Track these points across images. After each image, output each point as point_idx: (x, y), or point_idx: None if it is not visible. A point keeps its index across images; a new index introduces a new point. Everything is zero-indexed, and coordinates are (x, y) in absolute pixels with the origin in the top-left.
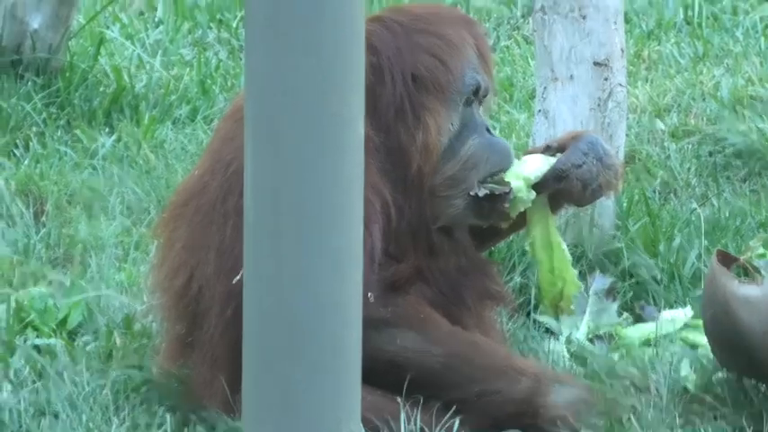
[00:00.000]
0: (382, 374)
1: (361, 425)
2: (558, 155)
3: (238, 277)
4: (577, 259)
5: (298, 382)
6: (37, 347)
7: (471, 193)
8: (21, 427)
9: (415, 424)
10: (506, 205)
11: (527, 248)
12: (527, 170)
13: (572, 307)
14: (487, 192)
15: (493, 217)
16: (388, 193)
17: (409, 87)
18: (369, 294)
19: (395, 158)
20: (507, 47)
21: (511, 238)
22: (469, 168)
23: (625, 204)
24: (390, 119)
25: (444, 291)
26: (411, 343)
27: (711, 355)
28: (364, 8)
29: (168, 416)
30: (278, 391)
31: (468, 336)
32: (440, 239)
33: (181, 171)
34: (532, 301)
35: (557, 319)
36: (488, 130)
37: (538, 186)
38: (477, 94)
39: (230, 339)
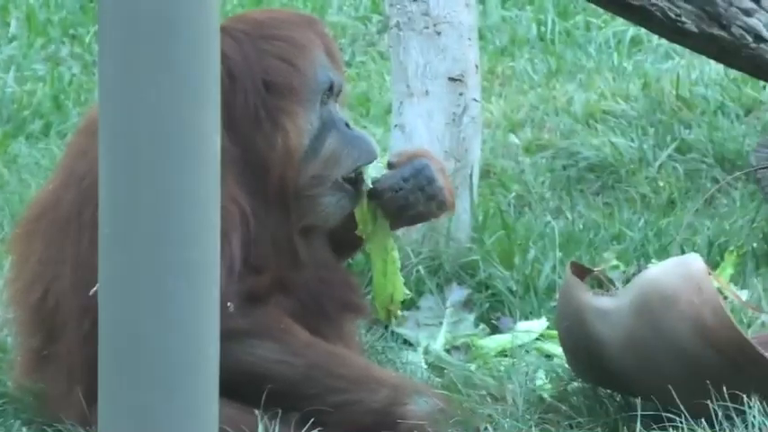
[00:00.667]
0: (241, 386)
1: None
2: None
3: (95, 290)
4: (434, 271)
5: (154, 397)
6: None
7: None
8: None
9: None
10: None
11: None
12: (370, 170)
13: (400, 313)
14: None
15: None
16: (246, 204)
17: (262, 94)
18: (228, 304)
19: (254, 169)
20: (363, 62)
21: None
22: (332, 166)
23: (481, 217)
24: (247, 128)
25: (305, 302)
26: (271, 353)
27: (566, 365)
28: (219, 20)
29: (24, 429)
30: (134, 405)
31: (328, 346)
32: (301, 250)
33: (34, 186)
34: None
35: (388, 322)
36: (347, 124)
37: (369, 193)
38: (331, 92)
39: (87, 352)
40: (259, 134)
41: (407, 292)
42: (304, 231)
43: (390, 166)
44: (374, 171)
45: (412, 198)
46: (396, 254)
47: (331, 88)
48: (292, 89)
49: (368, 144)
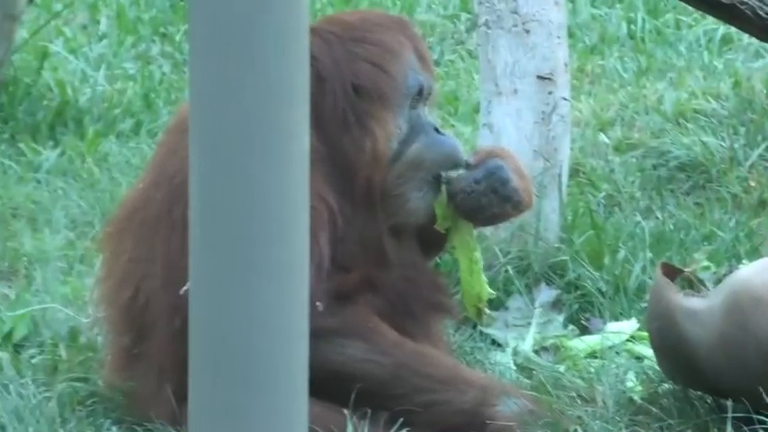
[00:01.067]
0: (329, 385)
1: None
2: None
3: (185, 289)
4: (523, 272)
5: (244, 395)
6: None
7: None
8: None
9: None
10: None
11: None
12: None
13: (488, 311)
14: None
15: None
16: (334, 203)
17: (351, 98)
18: (317, 304)
19: (341, 168)
20: (451, 61)
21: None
22: (415, 169)
23: (570, 217)
24: (334, 130)
25: (392, 301)
26: (359, 352)
27: (657, 367)
28: (309, 20)
29: (114, 428)
30: (224, 404)
31: (416, 346)
32: (389, 249)
33: (125, 184)
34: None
35: (478, 321)
36: (437, 129)
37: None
38: (421, 95)
39: (177, 351)
40: (347, 136)
41: (491, 291)
42: (392, 231)
43: (467, 165)
44: (453, 173)
45: (485, 200)
46: (478, 254)
47: (420, 92)
48: (382, 94)
49: (454, 150)
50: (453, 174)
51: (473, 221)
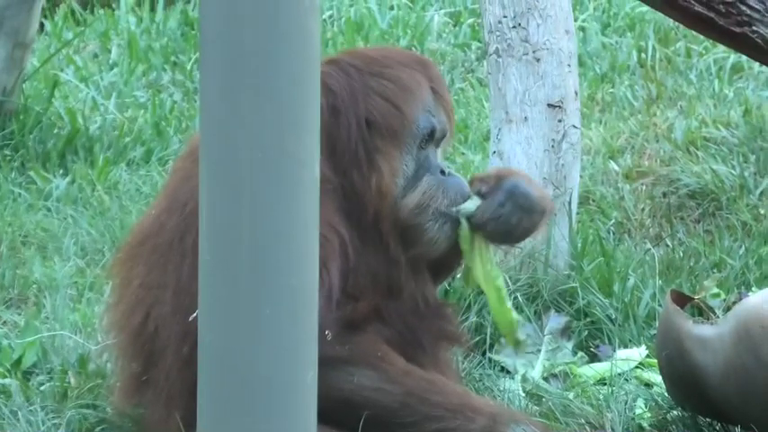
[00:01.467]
0: (338, 413)
1: None
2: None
3: (194, 315)
4: (532, 299)
5: (253, 423)
6: None
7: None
8: None
9: None
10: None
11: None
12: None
13: (522, 337)
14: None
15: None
16: (345, 232)
17: (363, 131)
18: (326, 332)
19: (353, 200)
20: (462, 89)
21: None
22: (428, 199)
23: (580, 244)
24: (346, 162)
25: (401, 331)
26: (368, 381)
27: (666, 394)
28: (320, 50)
29: None
30: (233, 430)
31: (425, 374)
32: (401, 279)
33: (135, 212)
34: (488, 341)
35: (516, 349)
36: (443, 171)
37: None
38: (432, 137)
39: (186, 378)
40: (357, 169)
41: (517, 316)
42: (409, 261)
43: (482, 195)
44: (469, 205)
45: (515, 219)
46: (501, 282)
47: (432, 134)
48: (392, 130)
49: (460, 187)
50: (470, 206)
51: (508, 243)
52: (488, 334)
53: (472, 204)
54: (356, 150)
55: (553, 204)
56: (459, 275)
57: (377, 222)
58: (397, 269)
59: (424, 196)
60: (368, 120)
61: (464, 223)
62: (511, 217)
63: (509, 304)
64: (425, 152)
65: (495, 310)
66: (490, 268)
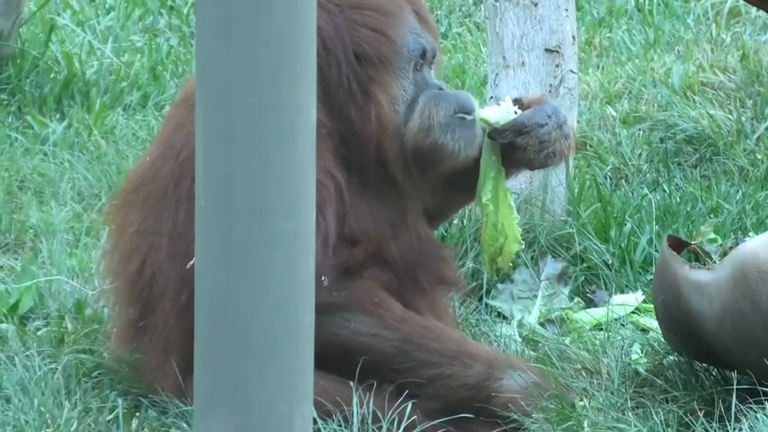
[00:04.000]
0: (335, 359)
1: (314, 409)
2: (519, 111)
3: (192, 262)
4: (529, 244)
5: (249, 368)
6: None
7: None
8: None
9: (368, 408)
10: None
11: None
12: (489, 114)
13: (510, 264)
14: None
15: (471, 141)
16: (341, 177)
17: (354, 66)
18: (322, 278)
19: (350, 141)
20: (459, 34)
21: (463, 224)
22: (426, 119)
23: (576, 190)
24: (341, 101)
25: (399, 275)
26: (364, 327)
27: (662, 339)
28: None
29: (120, 400)
30: (229, 376)
31: (422, 320)
32: (404, 218)
33: (132, 157)
34: (485, 286)
35: (496, 274)
36: (441, 88)
37: (496, 133)
38: (425, 58)
39: (183, 324)
40: (353, 106)
41: (522, 242)
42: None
43: (522, 106)
44: (503, 118)
45: (554, 134)
46: (512, 203)
47: (424, 54)
48: (383, 58)
49: (460, 96)
50: (503, 119)
51: (533, 159)
52: (485, 279)
53: (502, 118)
54: (350, 86)
55: (573, 153)
56: (455, 221)
57: (380, 156)
58: (401, 207)
59: (423, 115)
60: (356, 53)
61: (487, 140)
62: (552, 131)
63: (516, 229)
64: (421, 74)
65: (488, 232)
66: (499, 189)
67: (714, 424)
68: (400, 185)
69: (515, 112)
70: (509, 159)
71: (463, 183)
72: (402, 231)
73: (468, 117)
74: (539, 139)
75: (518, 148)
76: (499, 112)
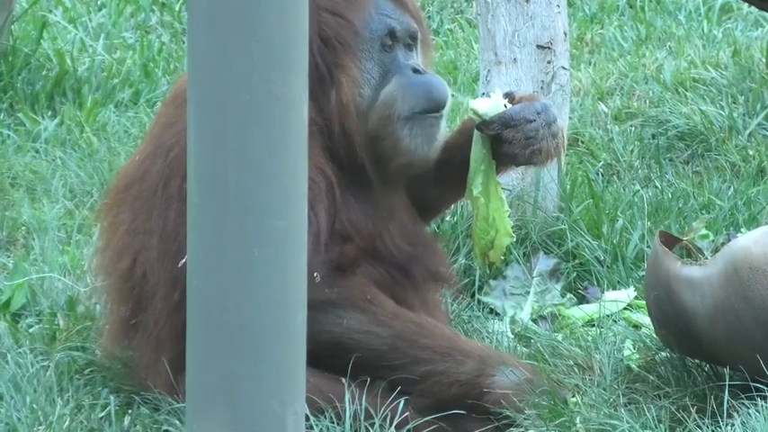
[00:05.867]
0: (328, 356)
1: (306, 406)
2: (510, 105)
3: (183, 261)
4: (521, 241)
5: (242, 365)
6: None
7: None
8: None
9: (360, 404)
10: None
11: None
12: (479, 105)
13: (501, 258)
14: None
15: (430, 140)
16: (332, 173)
17: (322, 51)
18: (315, 275)
19: (338, 139)
20: (451, 30)
21: (455, 219)
22: (390, 108)
23: (568, 186)
24: (314, 88)
25: (391, 271)
26: (357, 324)
27: (654, 335)
28: None
29: (112, 397)
30: (222, 373)
31: (414, 317)
32: (390, 213)
33: (124, 154)
34: (477, 283)
35: (488, 268)
36: (416, 69)
37: (484, 125)
38: (395, 38)
39: (175, 322)
40: (322, 93)
41: (513, 235)
42: (390, 187)
43: (513, 100)
44: (493, 110)
45: (541, 132)
46: (503, 196)
47: (393, 35)
48: (343, 41)
49: (430, 87)
50: (493, 112)
51: (518, 155)
52: (477, 276)
53: (491, 110)
54: (318, 72)
55: (561, 153)
56: (447, 217)
57: (348, 142)
58: (388, 202)
59: (387, 104)
60: (321, 37)
61: (477, 132)
62: (540, 128)
63: (507, 222)
64: (392, 54)
65: (479, 226)
66: (490, 183)
67: (706, 420)
68: (370, 177)
69: (505, 106)
70: (496, 153)
71: (454, 176)
72: (392, 227)
73: (433, 115)
74: (525, 135)
75: (504, 141)
76: (489, 104)
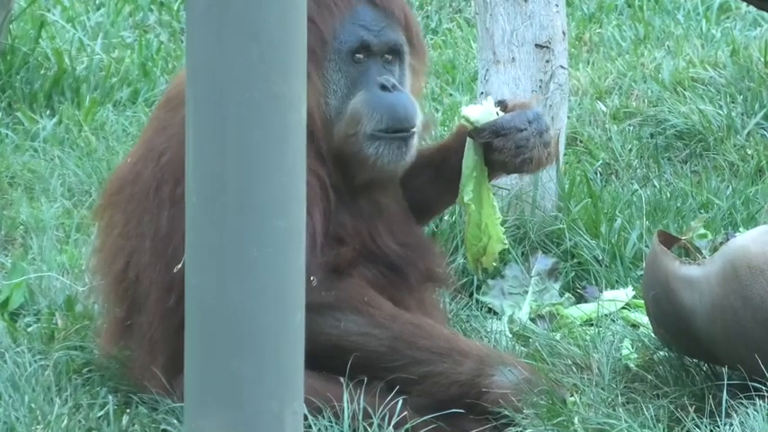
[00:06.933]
0: (326, 358)
1: (305, 406)
2: (502, 113)
3: (180, 266)
4: (520, 240)
5: (240, 365)
6: None
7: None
8: None
9: (359, 405)
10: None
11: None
12: (470, 113)
13: (494, 264)
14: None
15: (397, 159)
16: (325, 176)
17: None
18: (311, 278)
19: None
20: (449, 30)
21: (453, 219)
22: (355, 125)
23: (567, 186)
24: None
25: (386, 273)
26: (355, 326)
27: (653, 335)
28: None
29: (110, 396)
30: (220, 373)
31: (412, 318)
32: (382, 220)
33: (121, 153)
34: (475, 282)
35: (481, 273)
36: (384, 86)
37: (475, 132)
38: (367, 51)
39: (169, 326)
40: None
41: (506, 242)
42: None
43: (505, 108)
44: (484, 118)
45: (532, 141)
46: (495, 203)
47: (366, 47)
48: (309, 48)
49: (396, 107)
50: (485, 119)
51: (505, 165)
52: (480, 279)
53: (482, 118)
54: None
55: (553, 162)
56: (445, 216)
57: (317, 149)
58: (378, 205)
59: (352, 120)
60: None
61: (469, 139)
62: (530, 136)
63: (499, 228)
64: (362, 68)
65: (471, 232)
66: (482, 189)
67: (705, 419)
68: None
69: (497, 114)
70: (487, 160)
71: (451, 178)
72: (382, 228)
73: (400, 134)
74: (515, 144)
75: (495, 149)
76: (481, 112)
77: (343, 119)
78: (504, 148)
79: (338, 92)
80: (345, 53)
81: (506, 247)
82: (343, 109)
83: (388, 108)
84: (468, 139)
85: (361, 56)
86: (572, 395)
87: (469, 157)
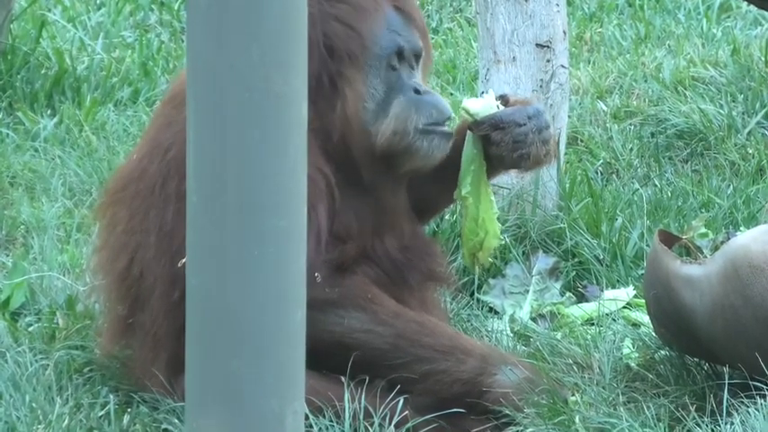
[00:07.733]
0: (329, 355)
1: (306, 405)
2: (502, 107)
3: (183, 261)
4: (520, 239)
5: (241, 364)
6: None
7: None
8: None
9: (360, 404)
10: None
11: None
12: (471, 105)
13: (490, 259)
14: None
15: (444, 148)
16: (330, 173)
17: (324, 59)
18: (316, 275)
19: (335, 140)
20: (450, 29)
21: (454, 219)
22: (401, 124)
23: (568, 185)
24: (312, 93)
25: (388, 271)
26: (358, 323)
27: (654, 334)
28: None
29: (111, 396)
30: (221, 372)
31: (416, 315)
32: (385, 217)
33: (122, 153)
34: (476, 281)
35: (477, 268)
36: (417, 90)
37: (474, 125)
38: (402, 57)
39: (173, 322)
40: (322, 99)
41: (501, 237)
42: (390, 194)
43: (506, 102)
44: (485, 111)
45: (530, 137)
46: (492, 198)
47: (401, 53)
48: (352, 54)
49: (435, 104)
50: (486, 113)
51: (506, 158)
52: (476, 275)
53: (483, 111)
54: (320, 78)
55: (552, 161)
56: (446, 216)
57: (345, 150)
58: (383, 203)
59: (398, 120)
60: (327, 45)
61: (469, 133)
62: (529, 132)
63: (495, 224)
64: (397, 73)
65: (468, 227)
66: (480, 184)
67: (705, 418)
68: (366, 182)
69: (498, 107)
70: (486, 154)
71: (451, 175)
72: (386, 228)
73: (442, 127)
74: (513, 138)
75: (493, 143)
76: (482, 104)
77: (383, 121)
78: (502, 142)
79: (376, 96)
80: (384, 59)
81: (502, 242)
82: (383, 112)
83: (434, 105)
84: (467, 132)
85: (396, 62)
86: (573, 394)
87: (469, 151)
